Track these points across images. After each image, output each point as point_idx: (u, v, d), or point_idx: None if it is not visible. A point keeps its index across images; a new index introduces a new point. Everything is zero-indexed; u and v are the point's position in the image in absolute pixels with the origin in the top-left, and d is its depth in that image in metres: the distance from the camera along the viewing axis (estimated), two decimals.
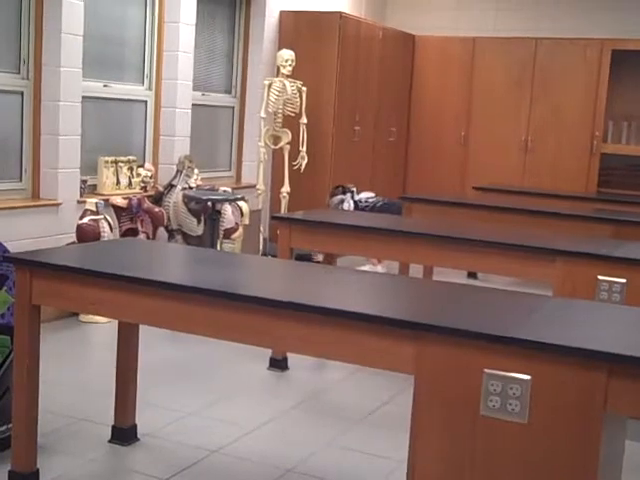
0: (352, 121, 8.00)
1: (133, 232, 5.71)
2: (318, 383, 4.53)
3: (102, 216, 5.39)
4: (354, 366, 4.09)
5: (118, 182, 6.01)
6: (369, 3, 9.31)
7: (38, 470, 3.09)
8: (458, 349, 2.31)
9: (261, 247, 7.09)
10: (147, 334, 3.67)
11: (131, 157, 6.17)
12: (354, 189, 7.26)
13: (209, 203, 6.09)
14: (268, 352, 4.67)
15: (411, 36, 9.05)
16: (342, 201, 7.15)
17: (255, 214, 6.87)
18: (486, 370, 2.27)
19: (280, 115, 7.03)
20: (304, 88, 7.10)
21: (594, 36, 8.43)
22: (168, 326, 2.86)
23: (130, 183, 6.11)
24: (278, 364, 4.66)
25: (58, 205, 5.39)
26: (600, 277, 3.85)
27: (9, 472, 3.05)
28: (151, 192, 6.19)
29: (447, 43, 9.00)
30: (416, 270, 5.81)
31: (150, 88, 6.45)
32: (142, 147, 6.46)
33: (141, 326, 3.41)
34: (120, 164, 6.03)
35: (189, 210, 6.07)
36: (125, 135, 6.29)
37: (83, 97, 5.55)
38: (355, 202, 7.17)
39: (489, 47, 8.81)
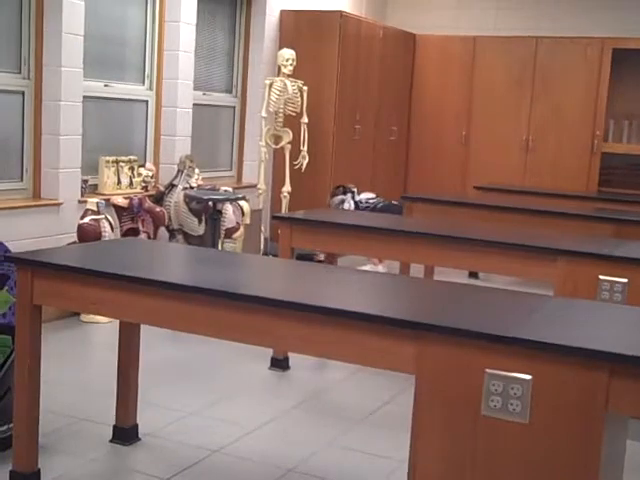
0: (353, 120, 8.00)
1: (134, 232, 5.71)
2: (319, 383, 4.53)
3: (103, 216, 5.39)
4: (355, 366, 4.09)
5: (119, 182, 6.01)
6: (370, 2, 9.31)
7: (39, 470, 3.10)
8: (459, 349, 2.31)
9: (262, 247, 7.09)
10: (148, 334, 3.67)
11: (132, 157, 6.17)
12: (355, 189, 7.26)
13: (210, 203, 6.09)
14: (269, 352, 4.67)
15: (412, 35, 9.04)
16: (343, 201, 7.15)
17: (256, 214, 6.88)
18: (487, 370, 2.27)
19: (281, 114, 7.03)
20: (305, 87, 7.10)
21: (595, 35, 8.43)
22: (169, 326, 2.86)
23: (131, 183, 6.11)
24: (279, 364, 4.66)
25: (59, 205, 5.39)
26: (601, 277, 3.84)
27: (10, 472, 3.05)
28: (152, 192, 6.19)
29: (448, 42, 9.00)
30: (417, 270, 5.81)
31: (151, 88, 6.45)
32: (143, 147, 6.46)
33: (142, 326, 3.41)
34: (121, 164, 6.03)
35: (190, 210, 6.07)
36: (126, 135, 6.29)
37: (84, 97, 5.55)
38: (356, 203, 7.17)
39: (490, 46, 8.80)
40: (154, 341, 4.58)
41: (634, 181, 8.42)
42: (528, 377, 2.22)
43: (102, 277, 2.83)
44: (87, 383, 4.23)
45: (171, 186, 6.16)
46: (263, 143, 7.05)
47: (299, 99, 7.07)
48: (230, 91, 7.52)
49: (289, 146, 7.18)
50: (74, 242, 5.26)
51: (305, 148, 7.15)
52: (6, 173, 5.25)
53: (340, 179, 7.54)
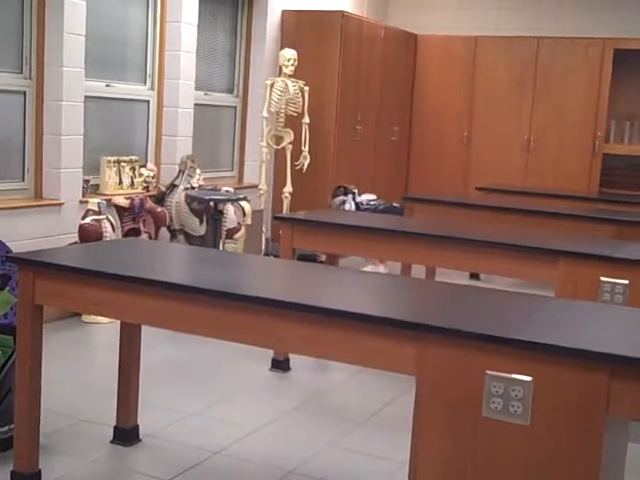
0: (354, 120, 8.00)
1: (135, 232, 5.71)
2: (320, 384, 4.53)
3: (104, 216, 5.39)
4: (356, 367, 4.08)
5: (120, 182, 6.01)
6: (371, 2, 9.31)
7: (40, 471, 3.10)
8: (460, 350, 2.31)
9: (263, 247, 7.09)
10: (149, 334, 3.67)
11: (133, 157, 6.17)
12: (355, 190, 7.25)
13: (211, 203, 6.09)
14: (270, 353, 4.67)
15: (413, 35, 9.04)
16: (343, 202, 7.15)
17: (257, 214, 6.88)
18: (488, 372, 2.27)
19: (282, 115, 7.03)
20: (306, 88, 7.09)
21: (596, 35, 8.42)
22: (170, 326, 2.86)
23: (132, 183, 6.11)
24: (280, 365, 4.66)
25: (60, 205, 5.39)
26: (602, 278, 3.84)
27: (11, 472, 3.05)
28: (153, 192, 6.19)
29: (449, 42, 9.00)
30: (418, 271, 5.81)
31: (152, 88, 6.45)
32: (144, 147, 6.46)
33: (143, 326, 3.41)
34: (122, 164, 6.04)
35: (191, 210, 6.07)
36: (127, 135, 6.29)
37: (85, 97, 5.55)
38: (356, 204, 7.16)
39: (491, 46, 8.80)
40: (155, 342, 4.58)
41: (635, 182, 8.42)
42: (529, 379, 2.22)
43: (103, 277, 2.83)
44: (88, 384, 4.23)
45: (172, 186, 6.16)
46: (264, 143, 7.05)
47: (300, 99, 7.06)
48: (231, 91, 7.52)
49: (290, 146, 7.17)
50: (75, 242, 5.27)
51: (306, 148, 7.14)
52: (7, 173, 5.25)
53: (341, 179, 7.54)
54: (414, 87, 9.16)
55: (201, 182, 6.30)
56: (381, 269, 6.91)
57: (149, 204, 5.82)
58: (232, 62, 7.48)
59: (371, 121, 8.33)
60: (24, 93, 5.29)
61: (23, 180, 5.36)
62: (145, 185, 6.20)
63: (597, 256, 3.91)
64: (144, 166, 6.28)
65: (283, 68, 7.03)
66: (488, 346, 2.27)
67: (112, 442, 3.51)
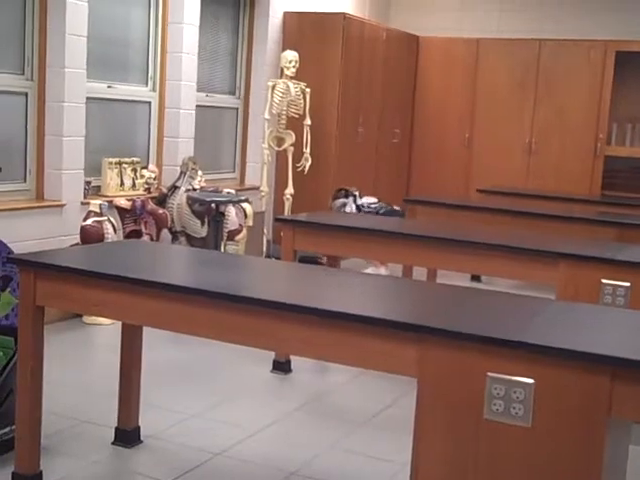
0: (355, 122, 8.00)
1: (137, 234, 5.71)
2: (321, 386, 4.52)
3: (106, 217, 5.39)
4: (357, 369, 4.08)
5: (122, 183, 6.02)
6: (373, 4, 9.31)
7: (41, 472, 3.10)
8: (461, 352, 2.31)
9: (265, 249, 7.09)
10: (150, 336, 3.67)
11: (135, 158, 6.18)
12: (357, 193, 7.25)
13: (213, 205, 6.09)
14: (271, 354, 4.67)
15: (415, 37, 9.04)
16: (344, 205, 7.14)
17: (259, 216, 6.88)
18: (489, 374, 2.27)
19: (284, 116, 7.03)
20: (308, 89, 7.10)
21: (598, 37, 8.42)
22: (171, 328, 2.86)
23: (134, 184, 6.11)
24: (281, 366, 4.65)
25: (62, 206, 5.40)
26: (604, 280, 3.84)
27: (13, 474, 3.05)
28: (155, 194, 6.19)
29: (451, 44, 9.00)
30: (420, 273, 5.80)
31: (154, 89, 6.46)
32: (146, 148, 6.46)
33: (144, 327, 3.41)
34: (124, 165, 6.04)
35: (193, 212, 6.07)
36: (129, 136, 6.30)
37: (87, 98, 5.56)
38: (357, 207, 7.16)
39: (493, 48, 8.80)
40: (156, 343, 4.57)
41: (637, 184, 8.41)
42: (530, 381, 2.22)
43: (105, 279, 2.83)
44: (89, 385, 4.23)
45: (174, 188, 6.17)
46: (266, 145, 7.05)
47: (302, 101, 7.07)
48: (233, 93, 7.52)
49: (292, 148, 7.18)
50: (77, 244, 5.27)
51: (308, 150, 7.15)
52: (9, 174, 5.25)
53: (343, 181, 7.54)
54: (416, 89, 9.16)
55: (202, 184, 6.31)
56: (382, 271, 6.91)
57: (150, 206, 5.82)
58: (234, 64, 7.49)
59: (373, 123, 8.33)
60: (26, 94, 5.29)
61: (25, 181, 5.36)
62: (147, 187, 6.20)
63: (598, 258, 3.91)
64: (146, 167, 6.29)
65: (285, 70, 7.03)
66: (489, 348, 2.27)
67: (113, 443, 3.51)
